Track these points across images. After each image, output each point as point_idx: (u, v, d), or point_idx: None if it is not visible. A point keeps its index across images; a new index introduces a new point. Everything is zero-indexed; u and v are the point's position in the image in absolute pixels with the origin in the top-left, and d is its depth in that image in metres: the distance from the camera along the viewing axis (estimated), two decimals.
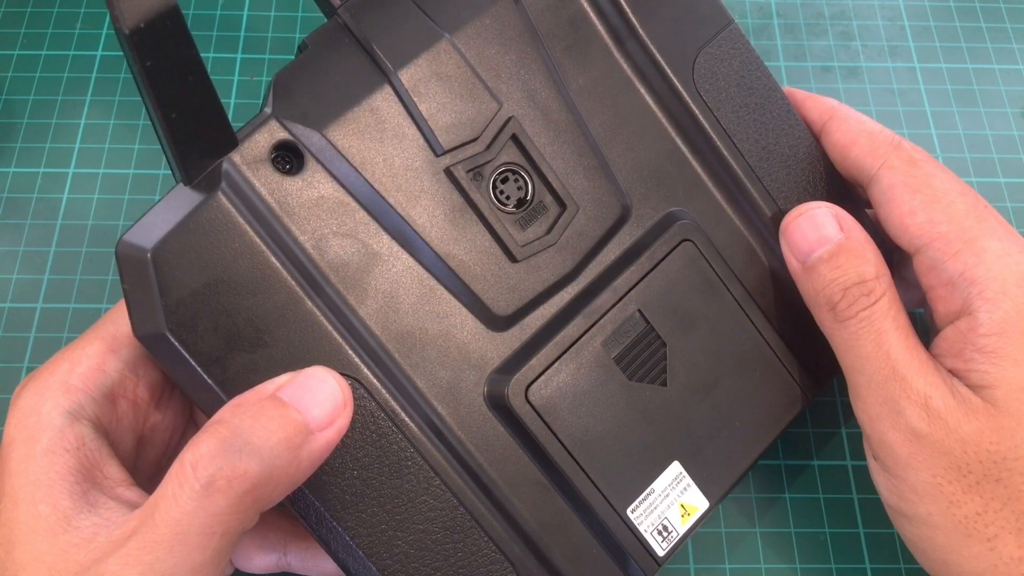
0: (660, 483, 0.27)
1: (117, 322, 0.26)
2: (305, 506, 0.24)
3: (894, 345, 0.26)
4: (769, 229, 0.30)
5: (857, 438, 0.34)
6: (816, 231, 0.28)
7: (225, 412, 0.22)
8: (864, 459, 0.34)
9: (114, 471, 0.24)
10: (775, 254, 0.30)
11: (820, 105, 0.30)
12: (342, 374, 0.24)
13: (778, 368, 0.30)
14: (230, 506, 0.21)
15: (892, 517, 0.28)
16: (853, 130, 0.30)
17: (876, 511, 0.33)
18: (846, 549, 0.33)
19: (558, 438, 0.26)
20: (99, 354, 0.25)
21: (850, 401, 0.28)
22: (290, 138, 0.25)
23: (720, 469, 0.28)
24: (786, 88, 0.31)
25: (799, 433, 0.34)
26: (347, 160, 0.25)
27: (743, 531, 0.33)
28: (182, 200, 0.24)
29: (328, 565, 0.28)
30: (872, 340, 0.27)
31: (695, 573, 0.32)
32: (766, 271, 0.30)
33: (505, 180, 0.27)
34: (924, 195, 0.28)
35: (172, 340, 0.23)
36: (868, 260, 0.27)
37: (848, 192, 0.31)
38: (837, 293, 0.27)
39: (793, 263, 0.28)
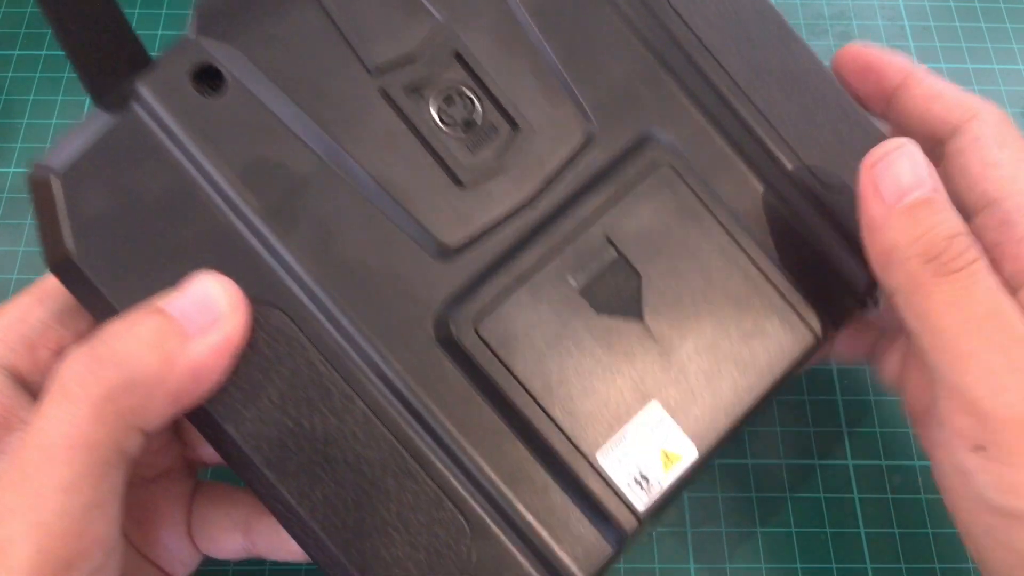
0: (635, 426, 0.24)
1: (51, 277, 0.25)
2: (225, 445, 0.23)
3: (1008, 303, 0.23)
4: (765, 151, 0.27)
5: (858, 437, 0.34)
6: (914, 170, 0.24)
7: (107, 324, 0.21)
8: (866, 458, 0.34)
9: (29, 415, 0.23)
10: (770, 179, 0.27)
11: (898, 64, 0.28)
12: (268, 303, 0.22)
13: (776, 301, 0.26)
14: (89, 415, 0.20)
15: (984, 526, 0.24)
16: (938, 85, 0.28)
17: (877, 511, 0.33)
18: (847, 549, 0.32)
19: (513, 374, 0.24)
20: (24, 306, 0.25)
21: (942, 377, 0.24)
22: (210, 57, 0.23)
23: (710, 413, 0.25)
24: (856, 43, 0.29)
25: (799, 433, 0.34)
26: (272, 81, 0.24)
27: (743, 531, 0.33)
28: (96, 122, 0.23)
29: (296, 546, 0.28)
30: (988, 297, 0.23)
31: (695, 573, 0.32)
32: (759, 197, 0.27)
33: (450, 101, 0.25)
34: (1012, 151, 0.26)
35: (80, 265, 0.22)
36: (955, 211, 0.24)
37: (859, 113, 0.28)
38: (940, 242, 0.23)
39: (876, 207, 0.24)
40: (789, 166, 0.27)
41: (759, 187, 0.27)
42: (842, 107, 0.28)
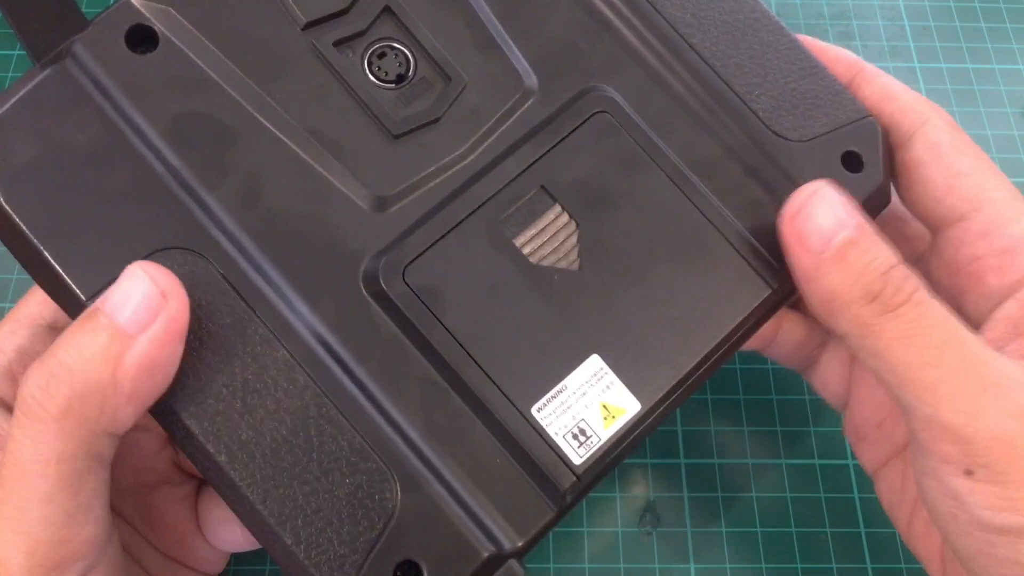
0: (575, 379, 0.24)
1: (25, 302, 0.26)
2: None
3: (958, 324, 0.23)
4: (714, 100, 0.26)
5: None
6: (833, 214, 0.23)
7: (59, 337, 0.21)
8: None
9: None
10: (718, 132, 0.26)
11: (846, 59, 0.28)
12: (191, 251, 0.23)
13: (727, 251, 0.25)
14: (51, 431, 0.20)
15: (981, 546, 0.23)
16: (889, 85, 0.27)
17: (877, 511, 0.33)
18: (847, 549, 0.32)
19: (441, 322, 0.23)
20: (0, 338, 0.25)
21: (914, 409, 0.23)
22: (142, 15, 0.24)
23: (656, 368, 0.24)
24: (802, 37, 0.28)
25: (799, 432, 0.34)
26: (204, 37, 0.24)
27: (744, 531, 0.33)
28: (31, 77, 0.23)
29: None
30: (938, 323, 0.22)
31: (695, 573, 0.32)
32: (708, 149, 0.26)
33: (382, 56, 0.25)
34: (972, 158, 0.25)
35: (7, 209, 0.22)
36: (885, 241, 0.23)
37: (811, 60, 0.27)
38: (877, 280, 0.23)
39: (805, 258, 0.23)
40: (739, 115, 0.26)
41: (707, 139, 0.26)
42: (794, 55, 0.27)
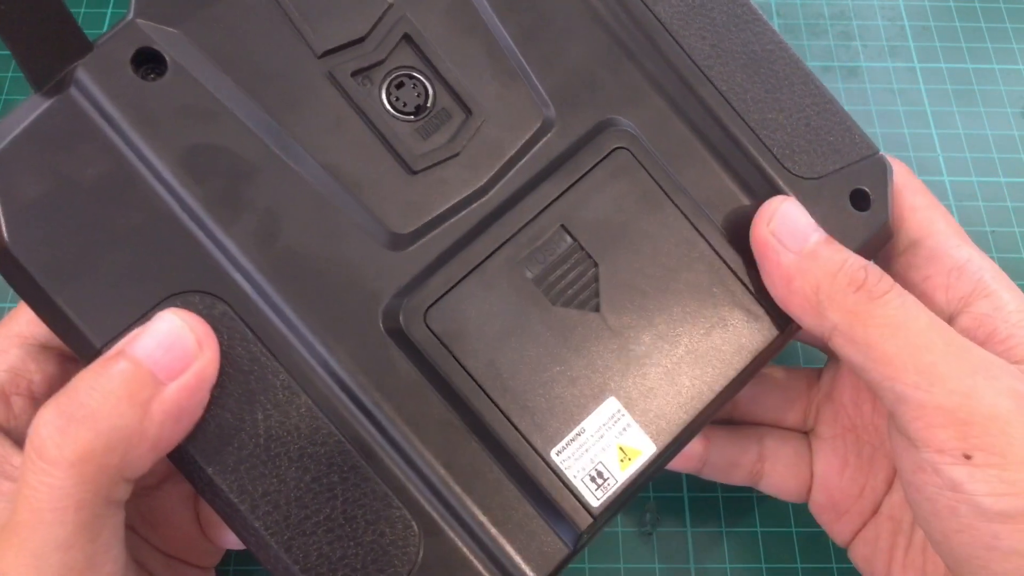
0: (592, 422, 0.24)
1: (13, 320, 0.25)
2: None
3: (935, 315, 0.24)
4: (728, 136, 0.26)
5: None
6: (805, 217, 0.25)
7: (76, 377, 0.20)
8: None
9: (19, 460, 0.23)
10: (734, 165, 0.26)
11: None
12: (209, 294, 0.22)
13: (739, 291, 0.25)
14: (69, 477, 0.19)
15: (986, 539, 0.22)
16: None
17: None
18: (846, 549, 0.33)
19: (463, 366, 0.23)
20: None
21: (907, 398, 0.23)
22: (150, 41, 0.23)
23: (669, 408, 0.24)
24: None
25: None
26: (216, 65, 0.23)
27: (744, 531, 0.33)
28: (33, 106, 0.22)
29: None
30: (922, 310, 0.23)
31: (695, 573, 0.32)
32: (722, 184, 0.26)
33: (401, 86, 0.25)
34: (925, 197, 0.27)
35: (14, 254, 0.21)
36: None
37: (825, 95, 0.28)
38: (859, 271, 0.24)
39: (786, 256, 0.24)
40: (752, 151, 0.26)
41: (722, 174, 0.26)
42: (808, 90, 0.27)
